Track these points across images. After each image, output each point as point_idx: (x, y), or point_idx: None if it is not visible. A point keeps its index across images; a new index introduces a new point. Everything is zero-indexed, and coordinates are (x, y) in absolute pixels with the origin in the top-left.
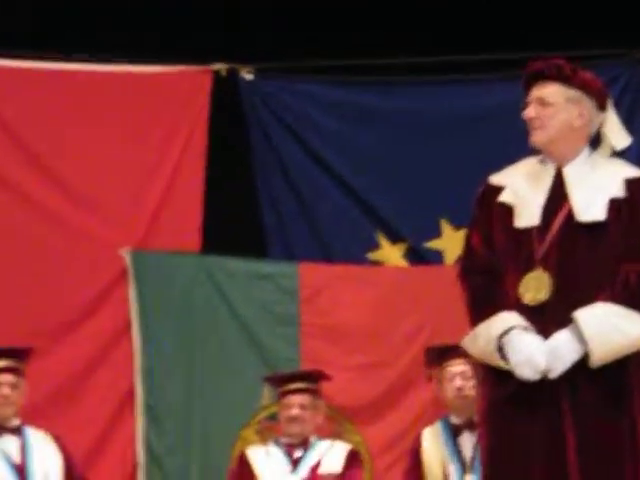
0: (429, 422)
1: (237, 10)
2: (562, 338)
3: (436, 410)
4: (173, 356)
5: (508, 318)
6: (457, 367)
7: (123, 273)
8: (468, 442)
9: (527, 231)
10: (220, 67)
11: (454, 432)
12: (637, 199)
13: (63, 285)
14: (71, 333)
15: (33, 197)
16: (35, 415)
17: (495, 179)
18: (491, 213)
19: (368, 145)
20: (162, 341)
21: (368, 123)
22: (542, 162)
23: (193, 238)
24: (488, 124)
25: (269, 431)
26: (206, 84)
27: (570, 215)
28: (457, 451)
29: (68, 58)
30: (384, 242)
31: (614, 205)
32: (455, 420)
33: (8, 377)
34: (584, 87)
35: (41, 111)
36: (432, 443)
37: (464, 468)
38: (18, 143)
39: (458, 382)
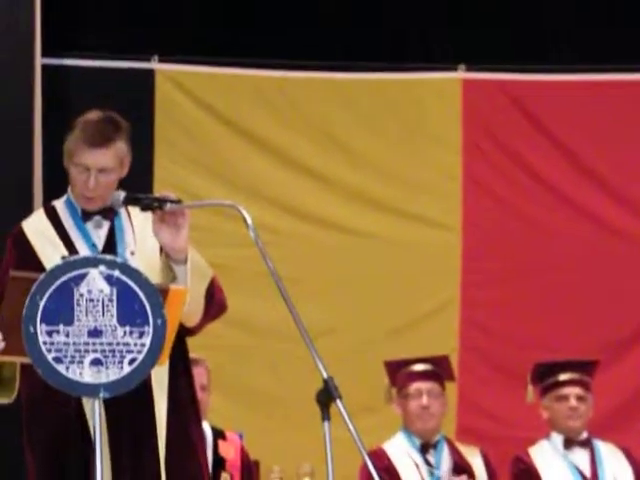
0: None
1: None
2: None
3: None
4: None
5: None
6: None
7: None
8: None
9: None
10: None
11: None
12: None
13: (627, 296)
14: (636, 344)
15: (595, 212)
16: (604, 427)
17: None
18: None
19: None
20: None
21: None
22: None
23: None
24: None
25: None
26: None
27: None
28: None
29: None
30: None
31: None
32: None
33: (576, 389)
34: None
35: (591, 123)
36: None
37: None
38: (572, 159)
39: None
